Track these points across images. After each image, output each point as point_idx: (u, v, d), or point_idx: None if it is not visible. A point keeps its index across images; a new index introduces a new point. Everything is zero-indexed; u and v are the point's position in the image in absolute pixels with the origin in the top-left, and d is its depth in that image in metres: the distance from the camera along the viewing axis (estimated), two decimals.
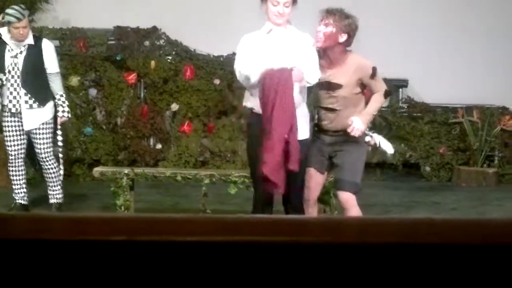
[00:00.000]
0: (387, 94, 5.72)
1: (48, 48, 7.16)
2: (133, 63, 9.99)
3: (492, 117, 10.11)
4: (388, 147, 5.92)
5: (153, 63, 9.98)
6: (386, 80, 10.15)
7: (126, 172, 7.20)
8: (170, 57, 10.21)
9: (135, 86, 10.09)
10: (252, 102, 5.47)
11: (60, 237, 1.31)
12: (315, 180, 5.72)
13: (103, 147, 9.89)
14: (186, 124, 10.00)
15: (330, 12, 5.51)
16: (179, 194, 8.42)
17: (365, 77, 5.55)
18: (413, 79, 10.44)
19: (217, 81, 10.03)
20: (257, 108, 5.40)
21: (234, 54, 10.00)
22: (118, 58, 9.99)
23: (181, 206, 7.93)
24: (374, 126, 10.17)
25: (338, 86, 5.53)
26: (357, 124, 5.45)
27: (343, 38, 5.47)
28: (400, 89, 10.49)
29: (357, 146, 5.63)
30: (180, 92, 10.05)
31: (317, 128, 5.76)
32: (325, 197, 6.86)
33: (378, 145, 5.84)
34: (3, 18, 7.05)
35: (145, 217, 1.41)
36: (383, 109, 10.31)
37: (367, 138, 5.73)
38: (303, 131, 5.45)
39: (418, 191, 9.35)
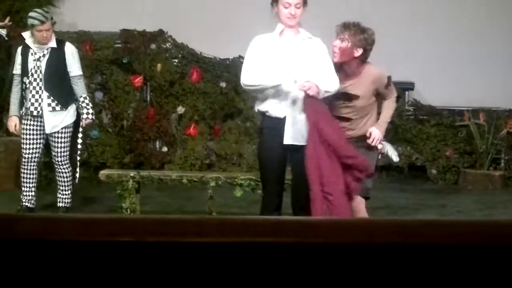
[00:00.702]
0: (398, 99, 5.78)
1: (71, 51, 7.21)
2: (140, 66, 10.01)
3: (498, 120, 10.09)
4: (394, 155, 5.97)
5: (159, 66, 10.00)
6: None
7: (132, 175, 7.21)
8: (176, 60, 10.22)
9: (141, 89, 10.11)
10: (265, 105, 5.47)
11: (67, 238, 1.32)
12: None
13: (109, 150, 9.91)
14: (192, 127, 10.01)
15: (345, 27, 5.51)
16: (185, 197, 8.43)
17: (380, 87, 5.60)
18: (419, 82, 10.44)
19: (223, 84, 10.04)
20: (271, 111, 5.41)
21: (240, 57, 10.11)
22: (124, 61, 10.01)
23: (187, 209, 7.94)
24: None
25: (355, 97, 5.54)
26: (376, 135, 5.54)
27: (358, 52, 5.47)
28: (406, 92, 10.48)
29: (368, 152, 5.65)
30: (186, 95, 10.06)
31: None
32: None
33: (386, 152, 5.88)
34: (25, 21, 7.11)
35: (153, 218, 1.42)
36: None
37: (380, 146, 5.75)
38: None
39: (424, 193, 9.34)
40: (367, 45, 5.52)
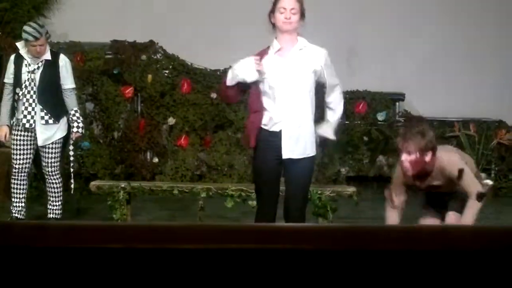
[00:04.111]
0: (480, 197, 5.37)
1: (65, 64, 7.19)
2: (130, 77, 10.00)
3: (488, 131, 10.12)
4: (487, 181, 5.93)
5: (150, 77, 10.00)
6: (382, 94, 10.32)
7: (122, 186, 7.19)
8: (167, 71, 10.22)
9: (132, 100, 10.11)
10: (259, 119, 5.45)
11: (57, 245, 1.32)
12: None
13: (100, 161, 9.89)
14: (183, 138, 10.01)
15: (406, 139, 5.27)
16: (176, 208, 8.41)
17: (453, 178, 5.39)
18: (410, 92, 10.47)
19: (214, 95, 10.05)
20: (267, 125, 5.40)
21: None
22: (115, 72, 10.01)
23: (178, 220, 7.92)
24: (372, 139, 10.20)
25: (438, 187, 5.47)
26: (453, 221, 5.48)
27: (428, 156, 5.30)
28: (397, 103, 10.51)
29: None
30: (177, 106, 10.06)
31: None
32: (322, 211, 6.85)
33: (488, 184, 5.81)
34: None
35: (141, 225, 1.41)
36: (380, 123, 10.34)
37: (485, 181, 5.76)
38: (312, 148, 5.47)
39: (415, 204, 9.33)
40: (433, 144, 5.30)
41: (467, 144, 10.02)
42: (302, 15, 5.49)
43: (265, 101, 5.41)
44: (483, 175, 5.97)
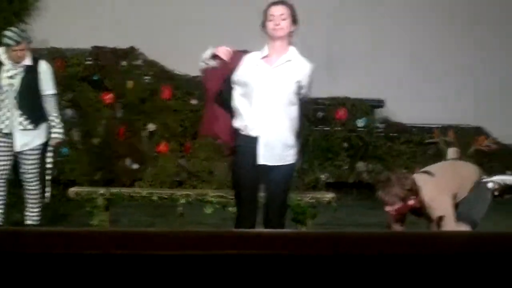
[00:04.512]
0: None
1: (45, 70, 7.15)
2: (110, 83, 9.99)
3: (467, 137, 10.18)
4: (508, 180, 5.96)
5: (130, 83, 9.98)
6: (362, 101, 10.36)
7: (101, 192, 7.18)
8: (147, 77, 10.21)
9: (112, 106, 10.08)
10: (239, 123, 5.46)
11: (34, 251, 1.32)
12: None
13: (79, 167, 9.86)
14: (163, 144, 10.00)
15: (387, 192, 5.36)
16: (155, 215, 8.40)
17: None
18: (390, 99, 10.51)
19: (194, 102, 10.05)
20: (244, 130, 5.41)
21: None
22: (95, 78, 9.99)
23: (157, 226, 7.90)
24: (352, 145, 10.23)
25: (439, 218, 5.50)
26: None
27: (411, 201, 5.38)
28: (377, 109, 10.56)
29: (479, 196, 5.64)
30: (157, 112, 10.05)
31: None
32: (301, 217, 6.87)
33: (503, 184, 5.83)
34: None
35: (119, 231, 1.42)
36: (360, 129, 10.38)
37: (490, 185, 5.74)
38: (291, 155, 5.47)
39: None
40: (411, 190, 5.38)
41: (445, 151, 10.08)
42: (294, 21, 5.49)
43: (243, 104, 5.42)
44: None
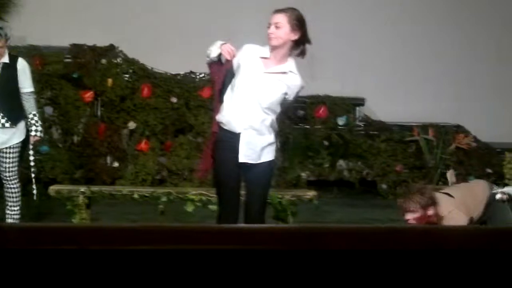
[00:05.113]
0: None
1: (23, 67, 7.10)
2: (90, 81, 9.94)
3: (447, 135, 10.23)
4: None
5: (110, 81, 9.95)
6: (342, 99, 10.38)
7: (82, 190, 7.15)
8: (127, 75, 10.17)
9: (92, 104, 10.04)
10: (223, 118, 5.43)
11: (11, 246, 1.30)
12: None
13: (60, 165, 9.81)
14: (143, 142, 9.97)
15: (408, 199, 5.42)
16: (136, 213, 8.36)
17: None
18: (370, 97, 10.54)
19: (174, 99, 10.03)
20: (227, 125, 5.39)
21: (191, 72, 10.12)
22: (74, 76, 9.94)
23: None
24: (332, 144, 10.25)
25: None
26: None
27: (431, 211, 5.42)
28: (357, 108, 10.58)
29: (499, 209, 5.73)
30: (137, 110, 10.02)
31: None
32: (282, 215, 6.88)
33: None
34: None
35: (96, 226, 1.40)
36: (341, 127, 10.40)
37: (498, 196, 5.79)
38: (270, 153, 5.46)
39: (375, 208, 9.41)
40: (433, 200, 5.44)
41: (426, 148, 10.13)
42: (296, 29, 5.38)
43: (230, 98, 5.40)
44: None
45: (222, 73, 5.47)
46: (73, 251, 1.37)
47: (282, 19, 5.36)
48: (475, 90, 10.75)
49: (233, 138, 5.38)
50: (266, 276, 1.39)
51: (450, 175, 6.45)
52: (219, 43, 5.39)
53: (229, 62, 5.39)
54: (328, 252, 1.41)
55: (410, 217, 5.42)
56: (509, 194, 5.83)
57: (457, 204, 5.57)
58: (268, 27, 5.37)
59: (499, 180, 9.59)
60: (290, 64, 5.43)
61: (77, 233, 1.40)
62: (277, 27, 5.34)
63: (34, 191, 7.30)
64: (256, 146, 5.37)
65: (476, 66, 10.75)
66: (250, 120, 5.36)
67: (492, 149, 10.40)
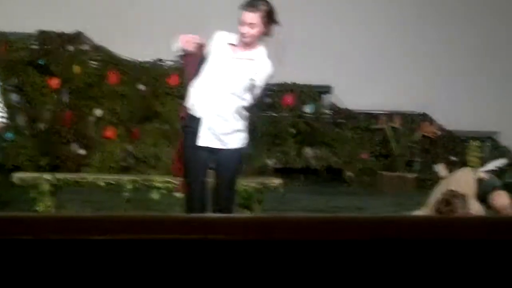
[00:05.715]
0: None
1: None
2: (57, 68, 9.87)
3: (413, 124, 10.32)
4: (497, 163, 6.15)
5: (77, 68, 9.88)
6: (309, 87, 10.41)
7: (47, 177, 7.10)
8: (94, 63, 10.12)
9: (58, 92, 9.97)
10: (189, 102, 5.46)
11: None
12: None
13: (25, 152, 9.73)
14: (110, 129, 9.93)
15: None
16: (102, 200, 8.32)
17: None
18: (337, 85, 10.58)
19: (141, 87, 9.99)
20: (191, 110, 5.40)
21: (159, 60, 10.08)
22: (41, 63, 9.86)
23: (103, 212, 7.85)
24: (299, 131, 10.28)
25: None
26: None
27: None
28: (324, 96, 10.62)
29: None
30: (104, 97, 9.97)
31: None
32: (248, 203, 6.90)
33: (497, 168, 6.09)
34: None
35: (53, 216, 1.41)
36: (308, 115, 10.44)
37: (482, 175, 5.97)
38: (238, 140, 5.48)
39: (342, 196, 9.46)
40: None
41: (392, 137, 10.21)
42: (268, 23, 5.38)
43: (197, 83, 5.42)
44: None
45: (195, 63, 5.47)
46: (29, 241, 1.37)
47: (256, 20, 5.35)
48: (441, 79, 10.82)
49: (195, 123, 5.40)
50: (227, 266, 1.40)
51: (442, 168, 6.53)
52: (178, 36, 5.41)
53: (200, 50, 5.39)
54: (284, 243, 1.43)
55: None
56: (492, 170, 6.02)
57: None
58: (241, 25, 5.36)
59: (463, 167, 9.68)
60: (260, 50, 5.44)
61: (34, 223, 1.40)
62: (251, 28, 5.36)
63: None
64: (218, 131, 5.38)
65: (442, 55, 10.82)
66: (214, 105, 5.37)
67: (457, 137, 10.51)
